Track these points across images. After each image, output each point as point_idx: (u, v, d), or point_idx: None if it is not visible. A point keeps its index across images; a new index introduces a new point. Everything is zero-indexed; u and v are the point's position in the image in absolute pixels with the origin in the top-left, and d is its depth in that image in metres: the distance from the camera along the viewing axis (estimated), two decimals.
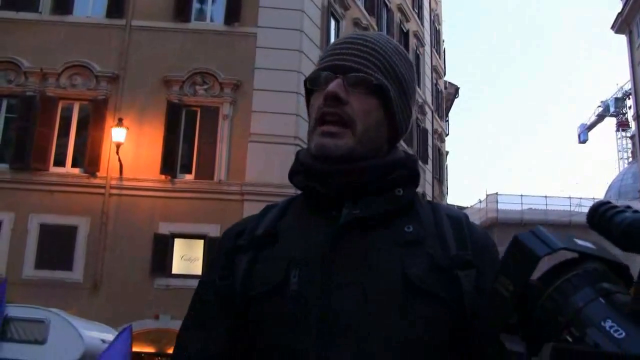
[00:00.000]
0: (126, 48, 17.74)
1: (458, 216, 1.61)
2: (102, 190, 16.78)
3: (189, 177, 17.26)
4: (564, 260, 0.82)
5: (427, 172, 29.22)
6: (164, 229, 16.50)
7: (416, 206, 1.58)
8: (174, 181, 17.01)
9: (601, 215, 0.80)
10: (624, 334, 0.71)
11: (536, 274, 0.83)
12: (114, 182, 16.84)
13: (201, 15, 18.62)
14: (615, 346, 0.71)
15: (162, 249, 16.47)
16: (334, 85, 1.52)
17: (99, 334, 11.99)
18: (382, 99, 1.58)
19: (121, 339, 9.45)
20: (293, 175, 1.63)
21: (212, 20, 18.54)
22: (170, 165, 17.04)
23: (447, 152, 36.13)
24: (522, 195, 37.19)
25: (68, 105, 17.78)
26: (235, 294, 1.52)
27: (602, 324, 0.72)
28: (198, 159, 17.39)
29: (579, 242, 0.84)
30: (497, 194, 37.15)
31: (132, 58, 17.70)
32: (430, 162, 30.16)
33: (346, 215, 1.49)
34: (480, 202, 38.85)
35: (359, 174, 1.52)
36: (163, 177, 16.95)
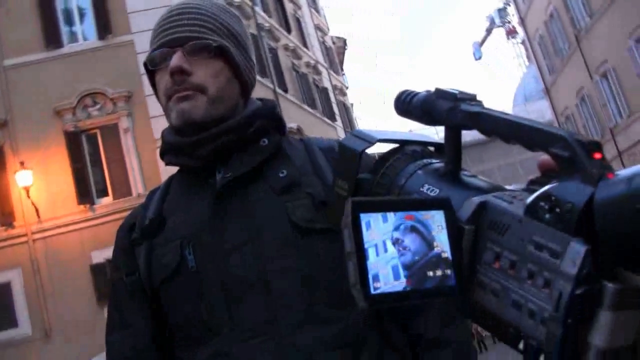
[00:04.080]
0: (6, 90, 17.12)
1: (330, 145, 1.67)
2: (25, 239, 16.31)
3: (107, 199, 16.93)
4: (387, 150, 0.87)
5: (338, 129, 29.40)
6: (98, 257, 16.15)
7: (287, 150, 1.64)
8: (93, 208, 16.65)
9: (403, 101, 0.86)
10: (437, 191, 0.77)
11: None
12: (34, 227, 16.37)
13: (73, 37, 18.11)
14: None
15: (102, 277, 16.11)
16: (175, 60, 1.54)
17: None
18: (225, 59, 1.61)
19: None
20: (163, 155, 1.66)
21: (85, 39, 18.05)
22: (85, 193, 16.66)
23: (352, 105, 36.38)
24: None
25: None
26: (143, 286, 1.58)
27: (421, 189, 0.78)
28: (111, 179, 17.06)
29: (400, 132, 0.90)
30: (411, 131, 37.75)
31: (16, 98, 17.07)
32: (338, 118, 30.34)
33: (220, 180, 1.54)
34: None
35: (222, 136, 1.56)
36: (82, 207, 16.57)
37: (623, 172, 0.60)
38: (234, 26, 1.68)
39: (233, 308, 1.46)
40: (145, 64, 1.64)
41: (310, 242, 1.49)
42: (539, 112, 40.64)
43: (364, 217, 0.67)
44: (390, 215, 0.68)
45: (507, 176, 37.20)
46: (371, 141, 0.84)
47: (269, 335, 1.43)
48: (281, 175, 1.56)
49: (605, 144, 26.34)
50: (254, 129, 1.59)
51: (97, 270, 16.03)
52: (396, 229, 0.67)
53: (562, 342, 0.58)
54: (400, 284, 0.66)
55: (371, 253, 0.66)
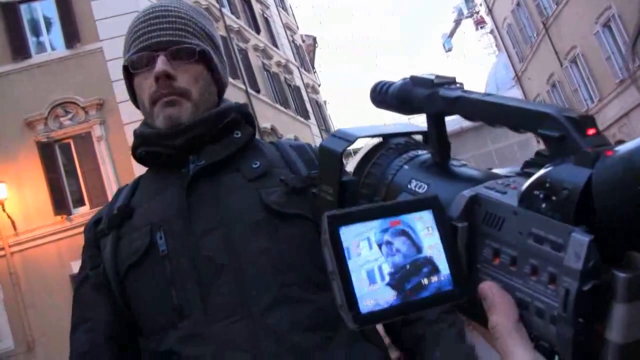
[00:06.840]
0: None
1: (301, 144, 1.72)
2: (2, 252, 16.11)
3: (84, 209, 16.74)
4: (370, 147, 0.83)
5: (312, 127, 29.35)
6: (78, 267, 15.99)
7: (259, 145, 1.67)
8: (70, 218, 16.49)
9: (379, 92, 0.83)
10: (425, 186, 0.72)
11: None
12: (11, 241, 16.20)
13: (41, 47, 17.88)
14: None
15: None
16: (161, 64, 1.55)
17: None
18: (205, 63, 1.64)
19: None
20: (135, 150, 1.67)
21: (53, 48, 17.83)
22: (61, 204, 16.51)
23: (325, 102, 36.33)
24: (409, 117, 37.97)
25: None
26: (108, 276, 1.58)
27: (409, 186, 0.74)
28: (87, 188, 16.90)
29: (381, 126, 0.86)
30: (385, 124, 37.77)
31: None
32: (312, 116, 30.29)
33: (193, 167, 1.56)
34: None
35: (196, 127, 1.58)
36: (59, 217, 16.42)
37: (622, 148, 0.55)
38: (209, 28, 1.68)
39: (205, 291, 1.46)
40: (125, 67, 1.64)
41: (283, 225, 1.50)
42: None
43: (344, 231, 0.61)
44: (374, 224, 0.62)
45: (482, 166, 37.38)
46: (351, 139, 0.79)
47: (241, 316, 1.43)
48: (254, 166, 1.58)
49: None
50: (227, 120, 1.62)
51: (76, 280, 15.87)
52: (382, 233, 0.62)
53: (575, 343, 0.53)
54: (392, 298, 0.60)
55: (354, 263, 0.60)
